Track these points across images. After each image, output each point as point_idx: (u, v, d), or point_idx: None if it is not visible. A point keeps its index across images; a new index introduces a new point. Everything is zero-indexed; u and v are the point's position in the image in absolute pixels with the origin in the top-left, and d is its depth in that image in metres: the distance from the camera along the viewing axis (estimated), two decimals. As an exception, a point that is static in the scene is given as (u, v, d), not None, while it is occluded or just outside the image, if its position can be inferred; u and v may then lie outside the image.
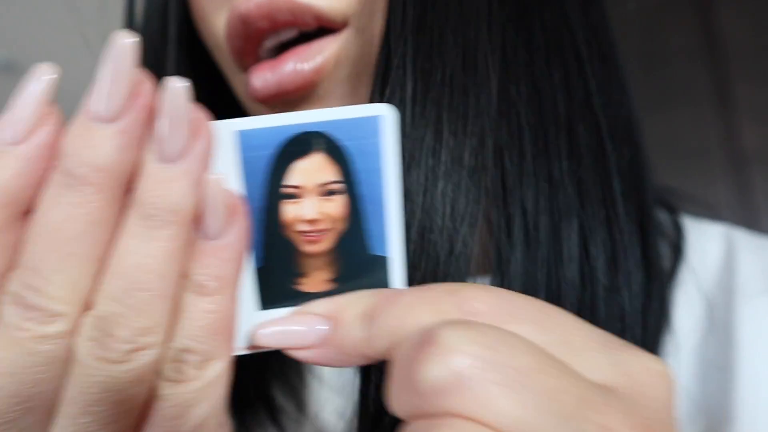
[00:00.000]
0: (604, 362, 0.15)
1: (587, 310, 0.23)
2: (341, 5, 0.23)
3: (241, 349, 0.16)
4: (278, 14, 0.22)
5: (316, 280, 0.16)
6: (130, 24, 0.31)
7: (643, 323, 0.24)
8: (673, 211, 0.32)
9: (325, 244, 0.16)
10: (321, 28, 0.23)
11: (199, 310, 0.15)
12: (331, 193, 0.15)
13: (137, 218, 0.14)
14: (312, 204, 0.15)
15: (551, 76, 0.25)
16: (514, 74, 0.24)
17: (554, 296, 0.23)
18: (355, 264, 0.16)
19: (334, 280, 0.16)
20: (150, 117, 0.15)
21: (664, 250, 0.29)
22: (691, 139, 1.72)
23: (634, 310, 0.24)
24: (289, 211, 0.15)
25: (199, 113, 0.15)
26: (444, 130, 0.20)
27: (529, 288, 0.23)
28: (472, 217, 0.20)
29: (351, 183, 0.15)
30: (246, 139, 0.15)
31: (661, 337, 0.25)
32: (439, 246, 0.20)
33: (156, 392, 0.14)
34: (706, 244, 0.30)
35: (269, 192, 0.15)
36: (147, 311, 0.14)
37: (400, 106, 0.20)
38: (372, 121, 0.15)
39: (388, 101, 0.20)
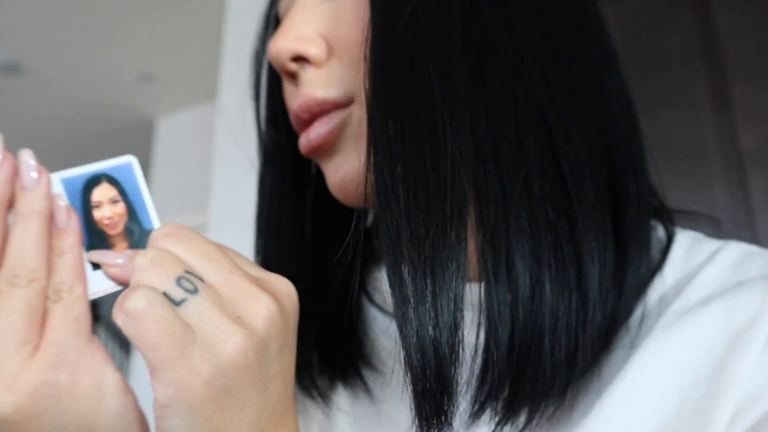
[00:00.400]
0: (254, 269, 0.28)
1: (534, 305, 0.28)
2: (346, 90, 0.34)
3: (91, 295, 0.29)
4: (311, 108, 0.34)
5: (120, 249, 0.30)
6: (258, 127, 0.48)
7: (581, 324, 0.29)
8: (672, 227, 0.37)
9: (119, 228, 0.30)
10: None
11: (63, 262, 0.27)
12: (115, 201, 0.30)
13: (20, 219, 0.26)
14: (108, 208, 0.29)
15: (501, 104, 0.30)
16: (469, 110, 0.30)
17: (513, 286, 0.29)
18: (138, 235, 0.30)
19: (130, 247, 0.30)
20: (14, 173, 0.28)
21: (651, 262, 0.33)
22: (688, 139, 1.74)
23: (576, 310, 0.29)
24: (97, 213, 0.29)
25: (40, 168, 0.28)
26: (424, 158, 0.28)
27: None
28: (458, 216, 0.28)
29: (124, 195, 0.30)
30: (67, 181, 0.29)
31: (609, 336, 0.30)
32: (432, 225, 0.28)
33: (49, 306, 0.26)
34: (695, 257, 0.34)
35: (85, 206, 0.29)
36: (32, 264, 0.26)
37: (378, 153, 0.30)
38: (127, 165, 0.30)
39: (375, 155, 0.30)
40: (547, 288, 0.28)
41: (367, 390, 0.38)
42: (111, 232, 0.30)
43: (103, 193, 0.29)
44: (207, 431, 0.24)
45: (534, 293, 0.28)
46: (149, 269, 0.26)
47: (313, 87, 0.34)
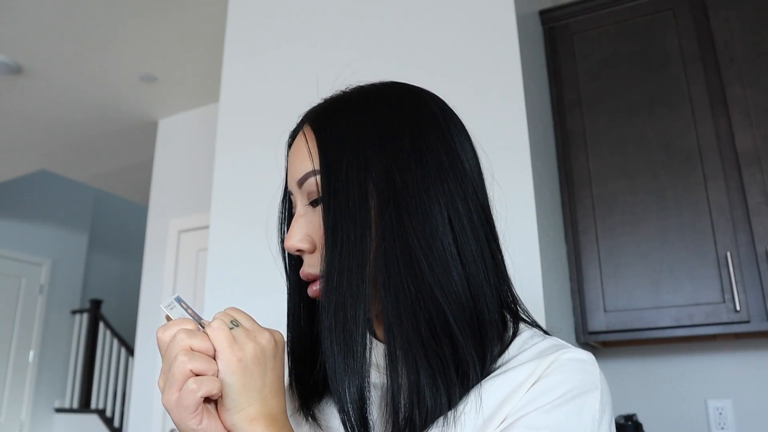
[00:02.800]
0: (261, 326, 0.53)
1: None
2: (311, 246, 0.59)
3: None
4: (308, 278, 0.58)
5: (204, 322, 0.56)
6: (285, 267, 0.66)
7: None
8: (519, 327, 0.59)
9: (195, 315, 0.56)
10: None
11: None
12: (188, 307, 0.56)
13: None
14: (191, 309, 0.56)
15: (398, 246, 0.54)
16: (381, 238, 0.54)
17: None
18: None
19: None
20: None
21: (502, 346, 0.57)
22: (686, 139, 1.75)
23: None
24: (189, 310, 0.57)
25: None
26: (344, 266, 0.54)
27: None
28: (362, 295, 0.53)
29: (188, 308, 0.55)
30: (179, 298, 0.55)
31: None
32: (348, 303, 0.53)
33: None
34: (526, 345, 0.57)
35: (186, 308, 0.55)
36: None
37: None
38: (178, 298, 0.55)
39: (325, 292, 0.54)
40: (426, 382, 0.52)
41: (327, 413, 0.63)
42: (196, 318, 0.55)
43: (184, 305, 0.55)
44: (239, 384, 0.49)
45: (418, 387, 0.52)
46: (220, 317, 0.52)
47: (308, 267, 0.59)
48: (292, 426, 0.54)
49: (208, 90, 3.26)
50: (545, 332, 0.60)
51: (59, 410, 5.60)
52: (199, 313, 0.56)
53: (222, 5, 2.51)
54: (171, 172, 3.47)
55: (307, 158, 0.58)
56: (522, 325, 0.60)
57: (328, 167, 0.56)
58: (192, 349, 0.49)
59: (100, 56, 2.96)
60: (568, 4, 1.99)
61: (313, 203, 0.59)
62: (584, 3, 1.95)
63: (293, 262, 0.64)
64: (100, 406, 5.42)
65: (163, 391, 0.49)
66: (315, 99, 0.65)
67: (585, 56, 1.93)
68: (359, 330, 0.52)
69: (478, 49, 1.63)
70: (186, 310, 0.54)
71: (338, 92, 0.63)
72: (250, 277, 1.76)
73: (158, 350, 0.54)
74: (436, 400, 0.51)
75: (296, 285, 0.64)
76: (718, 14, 1.80)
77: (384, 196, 0.54)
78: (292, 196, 0.62)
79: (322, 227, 0.56)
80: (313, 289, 0.58)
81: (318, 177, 0.57)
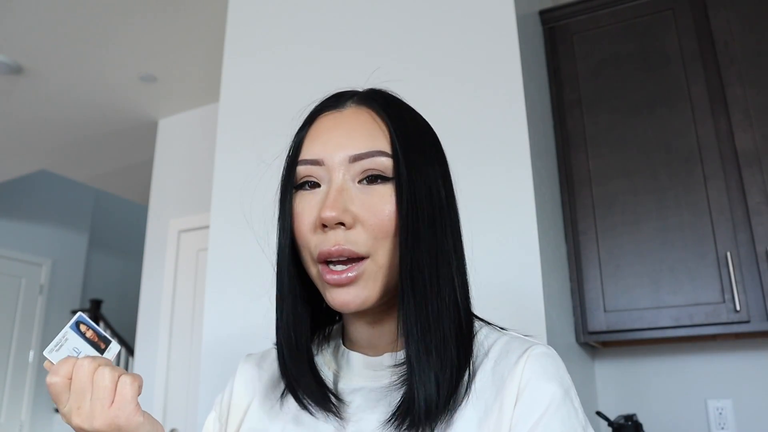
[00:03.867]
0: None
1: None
2: (367, 250, 0.56)
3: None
4: (347, 255, 0.56)
5: (101, 344, 0.59)
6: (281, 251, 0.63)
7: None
8: (480, 325, 0.64)
9: (96, 338, 0.59)
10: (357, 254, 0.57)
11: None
12: (88, 328, 0.59)
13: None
14: (89, 332, 0.59)
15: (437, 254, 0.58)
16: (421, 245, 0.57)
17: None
18: (102, 336, 0.60)
19: (104, 346, 0.59)
20: None
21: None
22: (686, 139, 1.75)
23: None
24: (87, 334, 0.59)
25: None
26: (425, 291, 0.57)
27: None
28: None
29: (90, 326, 0.59)
30: (72, 326, 0.58)
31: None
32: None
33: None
34: (486, 340, 0.61)
35: (80, 333, 0.58)
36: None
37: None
38: (81, 315, 0.59)
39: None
40: (443, 368, 0.55)
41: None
42: (94, 339, 0.58)
43: (84, 327, 0.58)
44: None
45: (440, 369, 0.54)
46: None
47: (347, 243, 0.56)
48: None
49: (208, 90, 3.25)
50: (487, 322, 0.65)
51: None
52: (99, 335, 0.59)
53: (222, 5, 2.51)
54: (171, 172, 3.47)
55: (377, 136, 0.58)
56: (476, 322, 0.64)
57: (407, 152, 0.58)
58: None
59: (100, 56, 2.96)
60: (568, 4, 1.99)
61: (375, 180, 0.57)
62: (584, 3, 1.95)
63: (292, 243, 0.60)
64: (100, 406, 5.42)
65: (92, 414, 0.51)
66: (315, 99, 0.64)
67: (585, 56, 1.93)
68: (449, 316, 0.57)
69: (478, 49, 1.63)
70: (84, 334, 0.58)
71: (379, 89, 0.64)
72: (250, 277, 1.76)
73: (54, 398, 0.54)
74: (440, 391, 0.54)
75: (291, 260, 0.60)
76: (718, 14, 1.80)
77: (440, 198, 0.60)
78: (304, 167, 0.59)
79: (393, 207, 0.56)
80: (348, 276, 0.56)
81: (392, 158, 0.57)
